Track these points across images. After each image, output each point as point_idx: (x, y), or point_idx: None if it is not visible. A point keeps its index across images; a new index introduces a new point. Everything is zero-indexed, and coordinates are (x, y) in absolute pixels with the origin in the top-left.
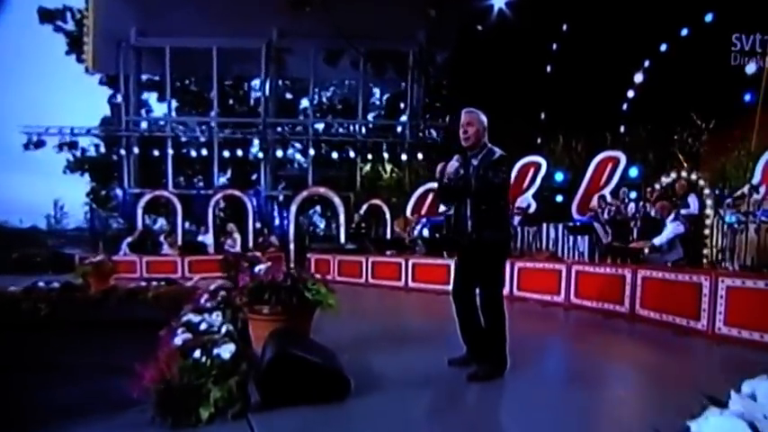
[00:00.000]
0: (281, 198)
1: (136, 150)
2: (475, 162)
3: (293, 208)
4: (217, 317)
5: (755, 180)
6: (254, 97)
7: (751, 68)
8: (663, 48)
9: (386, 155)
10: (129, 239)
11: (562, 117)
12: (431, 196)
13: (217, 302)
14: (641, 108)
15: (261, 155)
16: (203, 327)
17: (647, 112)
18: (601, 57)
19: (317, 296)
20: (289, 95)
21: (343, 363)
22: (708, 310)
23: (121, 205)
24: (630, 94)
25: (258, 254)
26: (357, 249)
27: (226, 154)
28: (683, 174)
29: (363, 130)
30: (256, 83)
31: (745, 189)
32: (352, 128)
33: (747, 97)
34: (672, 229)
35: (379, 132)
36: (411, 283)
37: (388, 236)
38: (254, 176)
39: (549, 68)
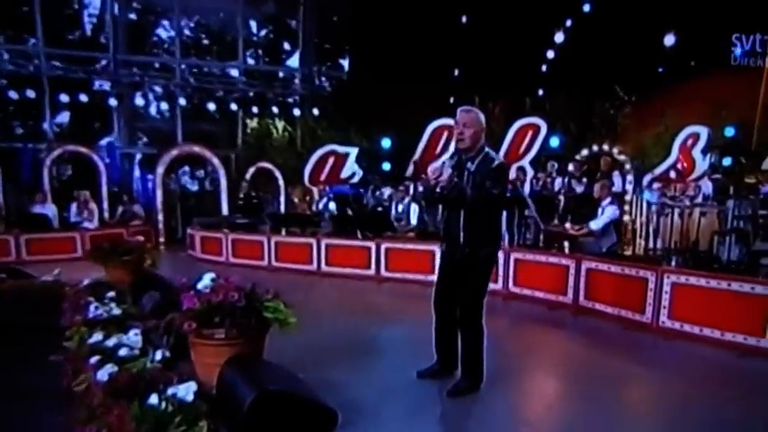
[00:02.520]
0: (138, 156)
1: None
2: (471, 167)
3: (160, 170)
4: (135, 335)
5: (672, 157)
6: (90, 22)
7: (669, 41)
8: (586, 8)
9: (275, 109)
10: None
11: (477, 75)
12: (332, 160)
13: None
14: (561, 72)
15: (114, 102)
16: (123, 352)
17: (568, 77)
18: (521, 10)
19: (276, 314)
20: (144, 25)
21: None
22: (653, 304)
23: None
24: (550, 54)
25: (142, 238)
26: (250, 225)
27: (64, 98)
28: (605, 147)
29: (245, 75)
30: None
31: (665, 167)
32: (232, 72)
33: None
34: (609, 213)
35: (266, 80)
36: (324, 267)
37: (282, 207)
38: (102, 127)
39: (464, 18)
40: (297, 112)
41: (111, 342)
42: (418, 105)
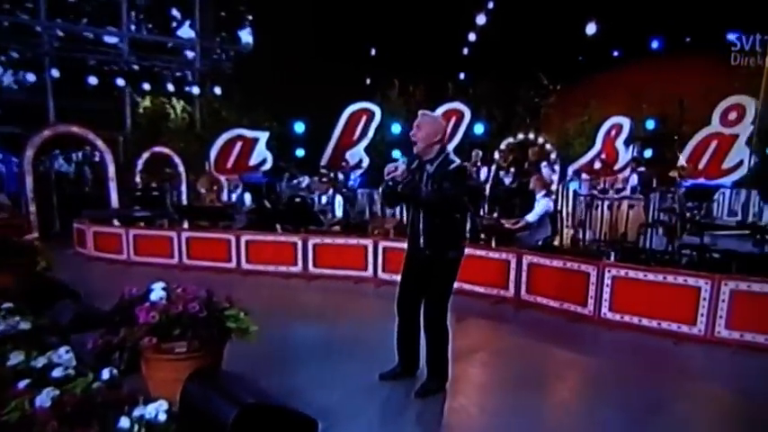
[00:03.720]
0: None
1: None
2: (430, 169)
3: (29, 153)
4: (67, 353)
5: (596, 147)
6: None
7: (591, 29)
8: None
9: (170, 86)
10: None
11: (396, 56)
12: (240, 145)
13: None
14: (485, 56)
15: None
16: (58, 372)
17: (492, 61)
18: None
19: (237, 323)
20: None
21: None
22: (594, 297)
23: None
24: (472, 37)
25: (33, 237)
26: (150, 218)
27: None
28: (531, 136)
29: (130, 46)
30: None
31: (590, 157)
32: (112, 41)
33: (582, 57)
34: (543, 205)
35: (156, 53)
36: (245, 264)
37: (185, 198)
38: None
39: None
40: (196, 90)
41: (39, 362)
42: (333, 87)
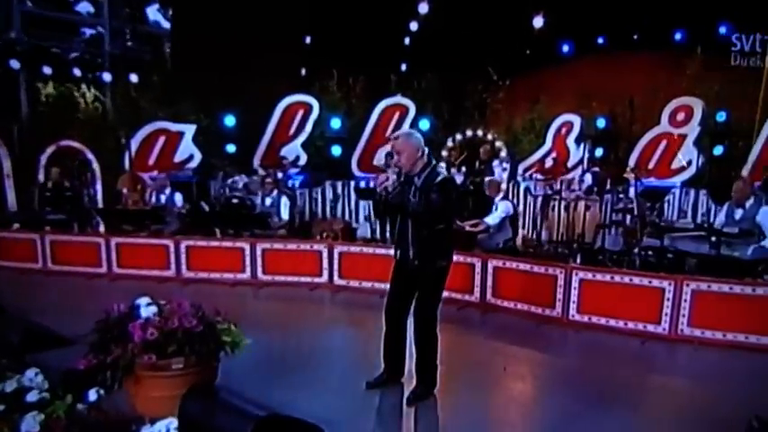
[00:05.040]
0: None
1: None
2: (418, 182)
3: None
4: (37, 375)
5: (547, 145)
6: None
7: (538, 22)
8: None
9: (77, 71)
10: None
11: (333, 45)
12: (163, 140)
13: None
14: (429, 48)
15: None
16: (33, 396)
17: (436, 54)
18: None
19: (232, 337)
20: None
21: None
22: (562, 300)
23: None
24: (414, 26)
25: None
26: (65, 222)
27: None
28: (479, 133)
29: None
30: None
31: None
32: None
33: (530, 51)
34: (503, 208)
35: (52, 31)
36: (186, 272)
37: (100, 199)
38: None
39: None
40: (107, 76)
41: (8, 387)
42: (265, 77)
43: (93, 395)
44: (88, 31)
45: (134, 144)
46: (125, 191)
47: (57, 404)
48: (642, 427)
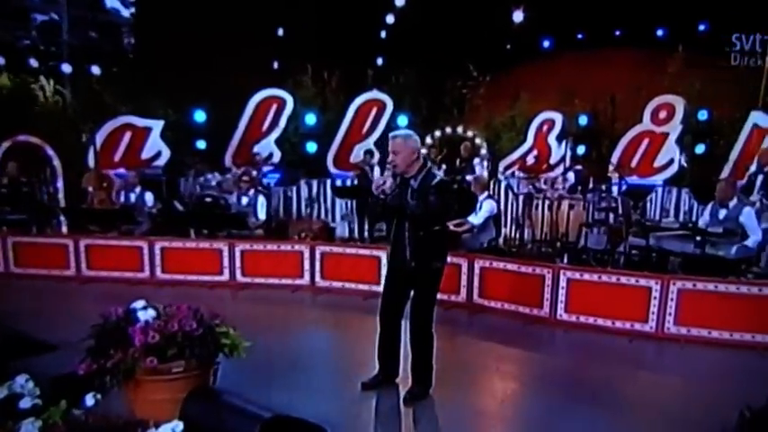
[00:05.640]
0: None
1: None
2: (414, 184)
3: None
4: (28, 381)
5: (528, 142)
6: None
7: (518, 17)
8: None
9: (34, 61)
10: None
11: (307, 37)
12: (129, 136)
13: None
14: (405, 41)
15: None
16: (26, 403)
17: (414, 48)
18: None
19: (231, 340)
20: None
21: None
22: (550, 299)
23: None
24: (390, 19)
25: None
26: (23, 222)
27: None
28: (459, 130)
29: None
30: None
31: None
32: None
33: (510, 46)
34: (487, 207)
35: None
36: (160, 274)
37: (62, 198)
38: None
39: None
40: (67, 68)
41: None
42: (236, 71)
43: (90, 400)
44: (39, 17)
45: (98, 140)
46: (91, 189)
47: (52, 410)
48: (630, 424)
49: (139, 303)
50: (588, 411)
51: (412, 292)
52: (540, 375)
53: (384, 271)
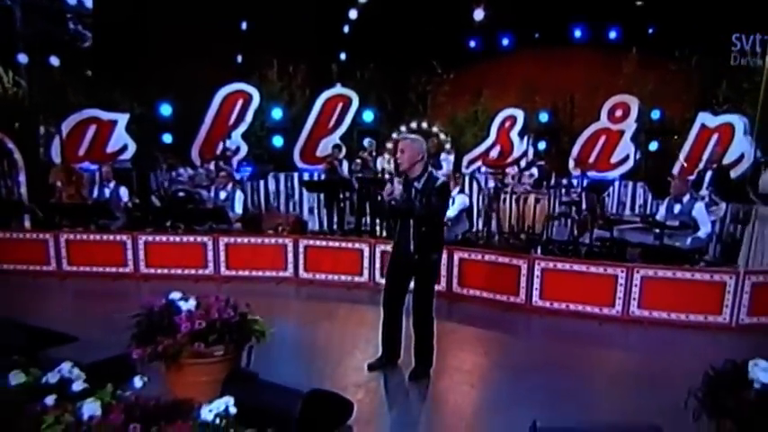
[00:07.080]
0: None
1: None
2: (418, 186)
3: None
4: (73, 368)
5: (491, 138)
6: None
7: (479, 15)
8: None
9: None
10: None
11: (271, 31)
12: (93, 129)
13: None
14: (368, 37)
15: None
16: (79, 386)
17: (376, 43)
18: None
19: (260, 327)
20: None
21: None
22: (526, 287)
23: None
24: (353, 14)
25: None
26: None
27: None
28: (424, 125)
29: None
30: None
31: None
32: None
33: (472, 44)
34: (460, 201)
35: None
36: (144, 268)
37: (24, 192)
38: None
39: None
40: (23, 58)
41: (51, 379)
42: (199, 64)
43: (138, 382)
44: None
45: (62, 132)
46: (59, 184)
47: (100, 392)
48: (604, 396)
49: (176, 295)
50: (565, 385)
51: (412, 283)
52: (519, 355)
53: (366, 263)
